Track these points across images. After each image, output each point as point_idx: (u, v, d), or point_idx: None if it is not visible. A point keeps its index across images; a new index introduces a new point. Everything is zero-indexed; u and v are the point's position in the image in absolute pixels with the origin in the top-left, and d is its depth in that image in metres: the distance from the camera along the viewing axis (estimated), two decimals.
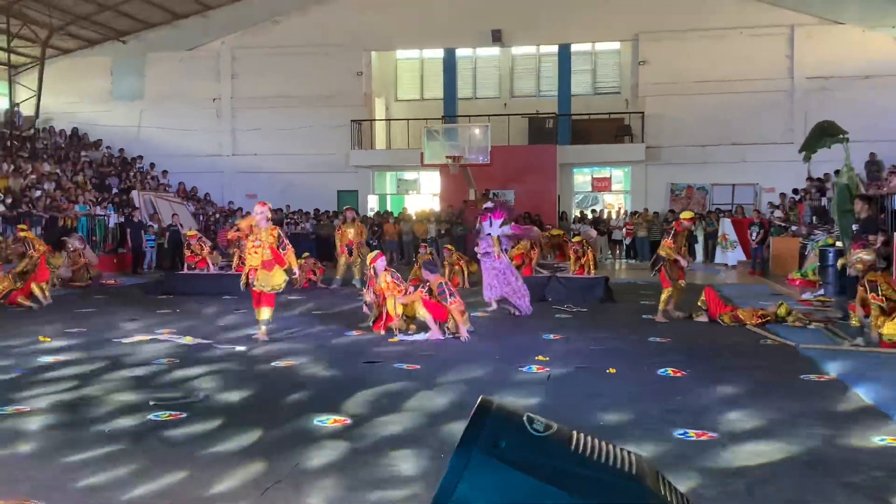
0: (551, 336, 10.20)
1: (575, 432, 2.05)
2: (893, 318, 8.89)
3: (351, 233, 17.22)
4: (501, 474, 1.95)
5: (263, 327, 10.07)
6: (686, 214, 12.32)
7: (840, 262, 9.86)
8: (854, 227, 11.63)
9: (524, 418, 2.07)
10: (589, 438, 2.03)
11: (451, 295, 9.97)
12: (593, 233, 16.57)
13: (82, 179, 24.44)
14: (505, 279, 12.39)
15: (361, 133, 27.73)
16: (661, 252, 11.81)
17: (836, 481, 4.66)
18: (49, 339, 10.03)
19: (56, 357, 8.85)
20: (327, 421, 6.09)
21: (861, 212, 11.85)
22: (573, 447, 2.00)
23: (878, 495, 4.43)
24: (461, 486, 1.96)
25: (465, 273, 16.53)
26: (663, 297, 11.65)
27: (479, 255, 12.81)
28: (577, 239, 16.02)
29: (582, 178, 28.47)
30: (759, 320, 10.94)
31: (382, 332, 10.22)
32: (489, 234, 12.51)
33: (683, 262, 11.84)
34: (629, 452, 2.01)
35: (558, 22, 26.22)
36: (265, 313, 10.05)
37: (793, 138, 24.20)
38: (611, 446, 2.02)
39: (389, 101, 29.55)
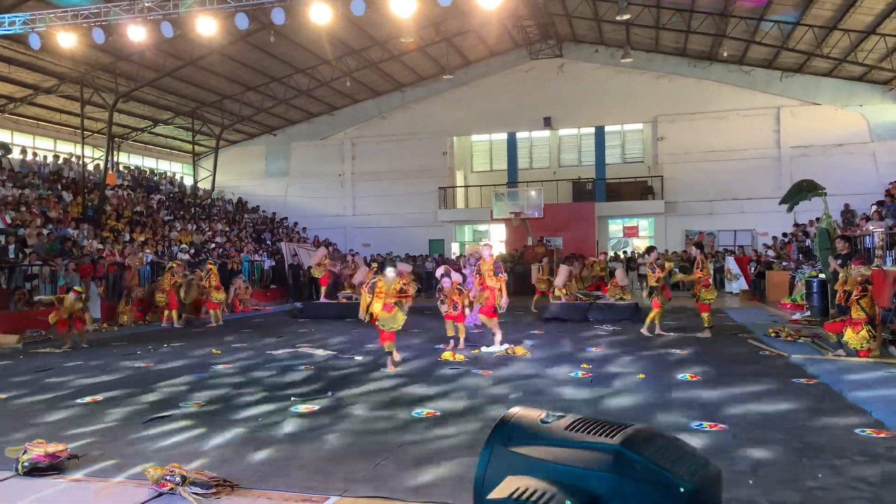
0: (593, 349, 10.01)
1: (576, 417, 2.08)
2: (858, 332, 8.48)
3: None
4: (511, 458, 2.05)
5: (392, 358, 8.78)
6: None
7: (842, 276, 9.45)
8: (836, 259, 11.13)
9: (539, 417, 2.15)
10: (588, 421, 2.04)
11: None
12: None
13: (244, 235, 25.30)
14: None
15: (446, 196, 27.95)
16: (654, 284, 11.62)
17: (824, 464, 4.41)
18: (219, 352, 10.32)
19: (225, 364, 9.10)
20: (422, 413, 6.09)
21: (843, 249, 11.38)
22: (568, 427, 2.04)
23: (858, 476, 4.18)
24: (487, 473, 2.10)
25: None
26: (652, 315, 11.47)
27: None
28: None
29: (615, 227, 28.03)
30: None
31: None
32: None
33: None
34: (621, 427, 1.98)
35: (595, 110, 26.14)
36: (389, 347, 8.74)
37: (781, 193, 23.12)
38: (602, 424, 2.02)
39: (467, 173, 29.75)
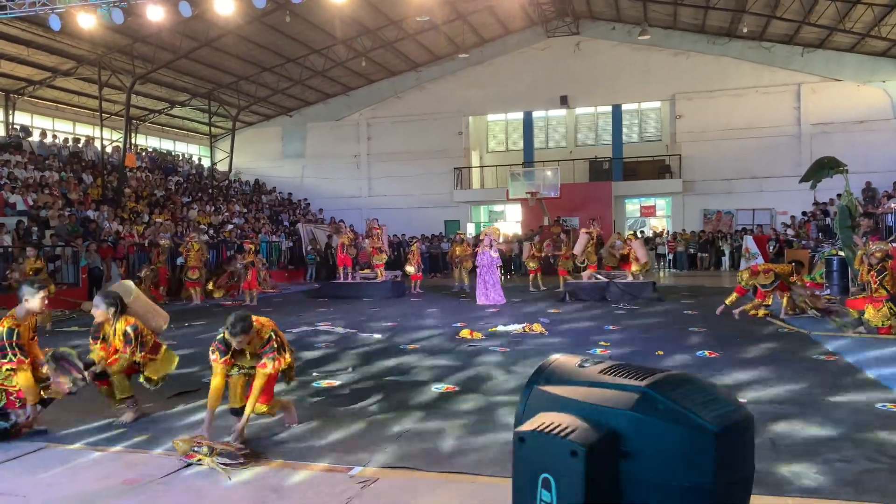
0: (611, 326, 10.02)
1: (612, 363, 2.18)
2: (878, 309, 8.41)
3: (458, 250, 17.80)
4: (546, 397, 2.16)
5: None
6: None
7: (860, 253, 9.31)
8: (862, 236, 10.98)
9: (577, 362, 2.27)
10: (623, 366, 2.15)
11: None
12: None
13: (261, 216, 25.43)
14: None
15: (462, 177, 27.91)
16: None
17: (844, 438, 4.43)
18: None
19: None
20: (442, 388, 6.15)
21: (868, 227, 11.26)
22: (602, 371, 2.14)
23: (879, 449, 4.18)
24: (525, 410, 2.20)
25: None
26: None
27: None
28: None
29: (632, 207, 27.86)
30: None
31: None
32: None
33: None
34: (653, 372, 2.08)
35: (611, 88, 25.91)
36: None
37: (801, 172, 22.84)
38: (636, 369, 2.11)
39: (482, 153, 29.65)
